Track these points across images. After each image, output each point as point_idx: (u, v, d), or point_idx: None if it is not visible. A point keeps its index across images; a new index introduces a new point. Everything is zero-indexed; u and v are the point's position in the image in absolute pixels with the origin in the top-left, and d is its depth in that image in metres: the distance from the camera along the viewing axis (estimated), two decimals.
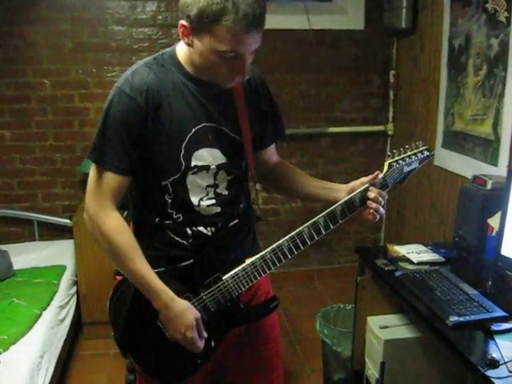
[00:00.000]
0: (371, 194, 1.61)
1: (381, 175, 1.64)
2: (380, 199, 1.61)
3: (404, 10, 3.70)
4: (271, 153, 1.88)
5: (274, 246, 1.59)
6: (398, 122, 4.22)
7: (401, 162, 1.65)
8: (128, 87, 1.53)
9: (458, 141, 3.24)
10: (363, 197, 1.62)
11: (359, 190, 1.62)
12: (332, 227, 1.61)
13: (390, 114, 4.27)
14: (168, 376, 1.72)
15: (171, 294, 1.56)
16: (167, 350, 1.67)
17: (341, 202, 1.61)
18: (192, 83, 1.58)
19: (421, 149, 1.69)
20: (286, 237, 1.59)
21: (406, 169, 1.66)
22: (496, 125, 2.83)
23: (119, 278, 1.72)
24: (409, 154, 1.67)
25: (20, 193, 3.99)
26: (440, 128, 3.43)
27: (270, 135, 1.82)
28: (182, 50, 1.59)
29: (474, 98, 3.05)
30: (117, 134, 1.53)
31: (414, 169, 1.69)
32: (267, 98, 1.77)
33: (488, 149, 2.91)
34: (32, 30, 3.73)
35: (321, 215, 1.60)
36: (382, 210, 1.63)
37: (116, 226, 1.57)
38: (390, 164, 1.65)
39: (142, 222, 1.71)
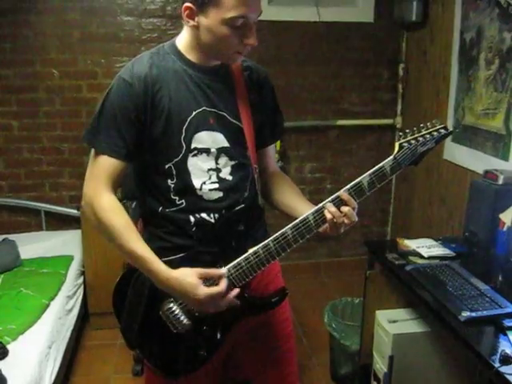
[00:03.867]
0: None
1: (391, 157, 1.54)
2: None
3: (414, 3, 3.69)
4: (269, 159, 1.86)
5: (277, 234, 1.55)
6: (407, 115, 4.20)
7: (413, 141, 1.53)
8: (127, 74, 1.56)
9: (468, 135, 3.22)
10: (373, 181, 1.53)
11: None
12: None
13: (399, 108, 4.24)
14: (173, 368, 1.71)
15: (168, 269, 1.52)
16: (172, 343, 1.66)
17: (347, 187, 1.54)
18: (193, 70, 1.61)
19: (437, 127, 1.56)
20: (290, 225, 1.55)
21: (420, 149, 1.54)
22: (508, 119, 2.81)
23: None
24: (423, 133, 1.55)
25: (27, 183, 3.98)
26: (450, 122, 3.41)
27: (269, 135, 1.82)
28: (182, 40, 1.63)
29: (485, 92, 3.03)
30: (113, 119, 1.55)
31: (430, 149, 1.57)
32: (270, 97, 1.79)
33: (499, 143, 2.89)
34: (40, 20, 3.72)
35: (326, 201, 1.54)
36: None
37: (111, 206, 1.56)
38: (400, 145, 1.54)
39: (148, 212, 1.71)
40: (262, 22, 1.53)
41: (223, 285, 1.51)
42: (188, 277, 1.50)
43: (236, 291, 1.55)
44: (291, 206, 1.72)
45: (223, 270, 1.54)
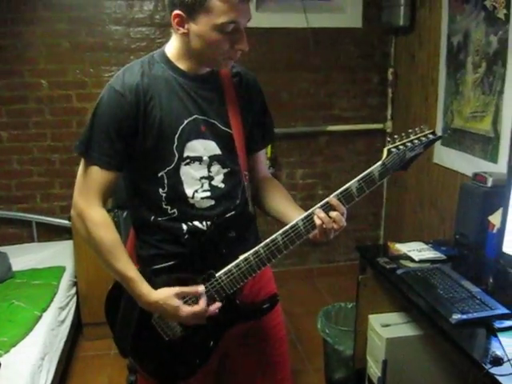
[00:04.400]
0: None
1: (379, 162, 1.54)
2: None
3: (402, 8, 3.71)
4: (260, 164, 1.86)
5: (267, 240, 1.55)
6: (397, 119, 4.22)
7: (401, 147, 1.54)
8: (118, 84, 1.56)
9: (457, 138, 3.23)
10: (361, 186, 1.54)
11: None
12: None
13: (389, 112, 4.26)
14: (167, 376, 1.71)
15: (150, 291, 1.55)
16: (164, 350, 1.67)
17: (336, 193, 1.54)
18: (183, 78, 1.60)
19: (425, 132, 1.57)
20: (280, 231, 1.55)
21: (409, 154, 1.55)
22: (495, 122, 2.83)
23: None
24: (412, 138, 1.56)
25: (18, 194, 3.97)
26: (439, 125, 3.43)
27: (259, 140, 1.81)
28: (171, 48, 1.63)
29: (473, 95, 3.04)
30: (105, 130, 1.55)
31: (419, 154, 1.58)
32: (260, 102, 1.78)
33: (488, 146, 2.90)
34: (29, 30, 3.72)
35: (316, 206, 1.54)
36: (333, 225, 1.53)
37: (102, 222, 1.58)
38: (389, 150, 1.54)
39: (140, 221, 1.71)
40: (249, 29, 1.54)
41: (203, 302, 1.54)
42: (168, 299, 1.54)
43: (217, 305, 1.57)
44: (281, 212, 1.72)
45: (201, 287, 1.56)
